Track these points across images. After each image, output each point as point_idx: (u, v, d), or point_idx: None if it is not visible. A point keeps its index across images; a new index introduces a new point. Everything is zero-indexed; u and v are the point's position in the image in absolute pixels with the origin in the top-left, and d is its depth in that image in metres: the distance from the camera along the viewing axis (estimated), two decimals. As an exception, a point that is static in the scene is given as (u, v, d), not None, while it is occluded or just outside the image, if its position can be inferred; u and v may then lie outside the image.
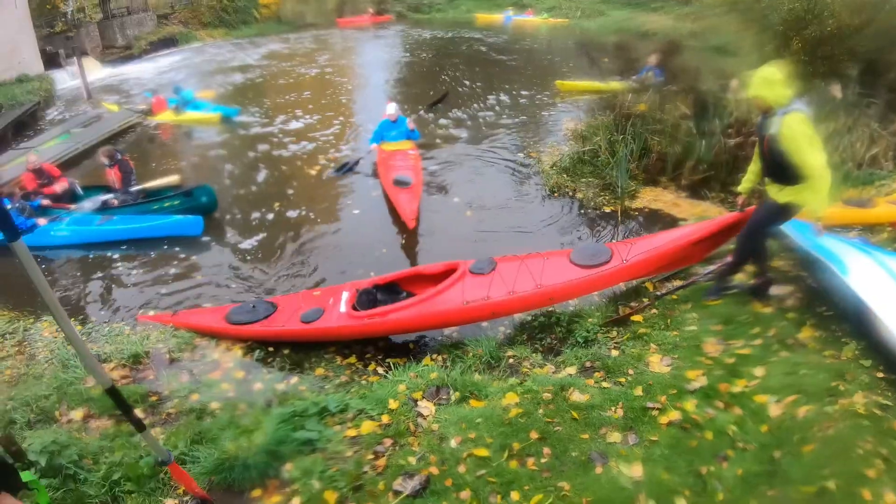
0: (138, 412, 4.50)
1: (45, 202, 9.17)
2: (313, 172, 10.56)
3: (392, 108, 10.26)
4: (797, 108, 3.89)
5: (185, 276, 7.53)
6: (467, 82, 16.71)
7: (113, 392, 2.30)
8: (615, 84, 11.39)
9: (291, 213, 8.93)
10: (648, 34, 18.68)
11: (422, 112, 11.00)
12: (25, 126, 17.49)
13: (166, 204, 8.83)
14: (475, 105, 14.11)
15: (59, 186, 9.46)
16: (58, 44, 25.30)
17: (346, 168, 10.57)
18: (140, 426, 2.49)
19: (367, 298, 5.44)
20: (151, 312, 6.48)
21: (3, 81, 21.50)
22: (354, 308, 5.26)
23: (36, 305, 7.18)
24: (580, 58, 16.28)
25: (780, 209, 4.17)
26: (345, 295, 5.50)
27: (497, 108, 13.83)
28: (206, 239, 8.40)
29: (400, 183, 8.57)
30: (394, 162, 9.38)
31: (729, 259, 4.67)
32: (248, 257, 7.82)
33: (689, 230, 5.04)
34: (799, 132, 3.83)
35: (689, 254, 5.07)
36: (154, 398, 4.75)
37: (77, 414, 4.57)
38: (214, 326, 5.71)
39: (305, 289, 6.42)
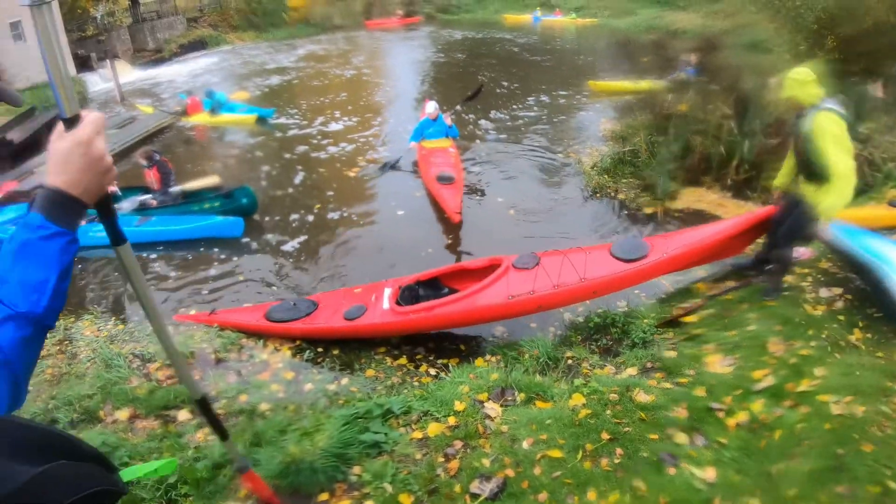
0: (185, 413, 4.47)
1: None
2: (351, 174, 10.55)
3: (431, 107, 10.29)
4: (829, 108, 3.93)
5: (224, 277, 7.53)
6: (504, 83, 16.73)
7: (203, 403, 2.23)
8: (647, 84, 11.25)
9: (332, 215, 8.91)
10: (678, 32, 18.55)
11: (459, 108, 10.93)
12: (59, 129, 17.69)
13: (206, 205, 8.82)
14: (513, 105, 14.11)
15: None
16: (89, 47, 25.64)
17: (389, 167, 10.68)
18: (224, 435, 2.40)
19: (410, 294, 5.44)
20: (189, 312, 6.47)
21: (37, 84, 21.80)
22: (398, 304, 5.22)
23: (75, 305, 7.21)
24: (615, 57, 16.16)
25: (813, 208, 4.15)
26: (387, 291, 5.47)
27: (535, 108, 13.82)
28: (245, 240, 8.38)
29: (443, 179, 8.62)
30: (434, 159, 9.46)
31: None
32: (288, 258, 7.80)
33: (726, 224, 5.01)
34: (827, 131, 3.88)
35: (726, 247, 5.04)
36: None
37: (122, 414, 4.52)
38: (254, 324, 5.70)
39: (346, 287, 6.37)
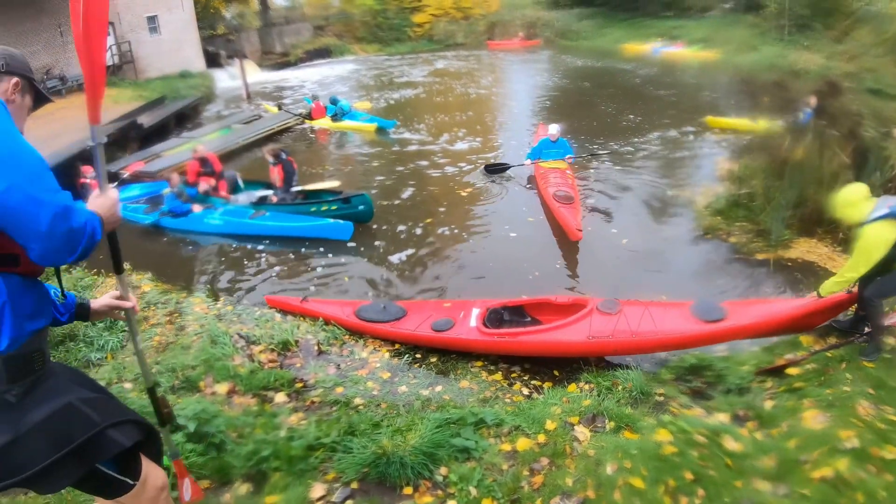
0: (282, 396, 4.74)
1: (202, 187, 9.77)
2: (464, 193, 10.76)
3: (554, 129, 10.66)
4: (876, 218, 4.11)
5: (323, 275, 7.89)
6: (630, 115, 16.55)
7: (152, 391, 2.54)
8: (763, 124, 10.91)
9: (440, 230, 9.10)
10: (801, 73, 17.84)
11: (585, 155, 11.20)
12: (186, 118, 18.91)
13: (324, 208, 9.14)
14: (633, 138, 13.98)
15: (220, 177, 10.07)
16: (219, 46, 27.32)
17: (498, 170, 11.11)
18: (163, 422, 2.57)
19: (495, 317, 5.72)
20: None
21: (167, 75, 23.39)
22: (485, 325, 5.49)
23: (189, 282, 7.72)
24: (736, 94, 15.76)
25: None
26: (475, 311, 5.75)
27: (655, 141, 13.63)
28: (351, 245, 8.68)
29: (561, 197, 8.84)
30: (552, 178, 9.76)
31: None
32: (389, 267, 8.05)
33: (805, 303, 4.95)
34: (865, 242, 4.13)
35: (805, 323, 5.02)
36: (299, 385, 4.96)
37: (222, 388, 4.81)
38: (343, 319, 6.08)
39: (436, 299, 6.60)
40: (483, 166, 11.75)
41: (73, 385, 1.88)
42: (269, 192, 9.90)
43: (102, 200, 1.84)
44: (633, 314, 5.09)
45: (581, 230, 8.09)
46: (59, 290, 2.02)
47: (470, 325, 5.53)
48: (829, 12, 22.87)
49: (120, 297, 2.20)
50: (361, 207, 9.02)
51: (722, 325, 4.87)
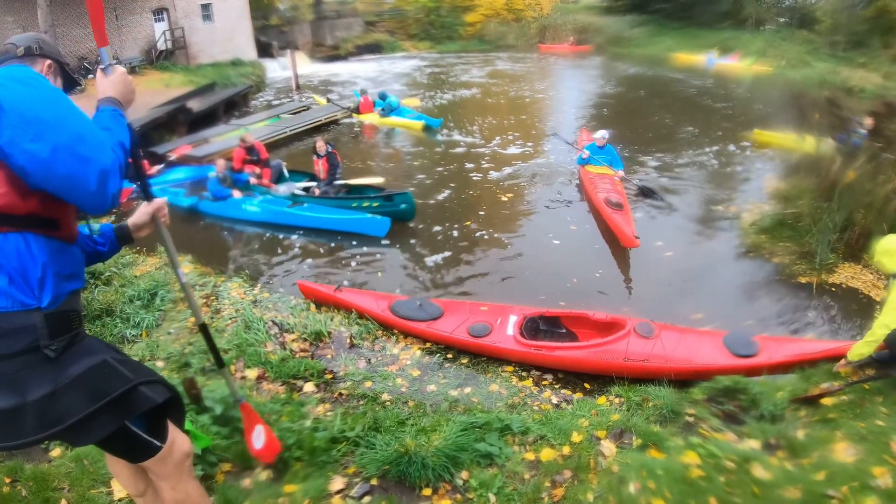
0: (311, 386, 4.78)
1: (253, 179, 9.91)
2: (506, 198, 10.71)
3: (601, 134, 10.64)
4: None
5: (356, 269, 7.94)
6: (683, 126, 16.27)
7: (204, 329, 2.67)
8: (811, 142, 10.63)
9: (480, 233, 9.07)
10: (854, 91, 17.36)
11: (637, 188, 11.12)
12: (236, 105, 19.21)
13: (365, 204, 9.08)
14: (687, 150, 13.75)
15: (265, 165, 10.19)
16: (271, 36, 27.73)
17: (564, 141, 11.55)
18: (220, 363, 2.79)
19: (531, 326, 5.76)
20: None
21: (219, 62, 23.81)
22: (521, 334, 5.52)
23: (226, 266, 7.85)
24: (787, 109, 15.42)
25: None
26: (512, 318, 5.78)
27: (709, 154, 13.38)
28: (387, 241, 8.68)
29: (611, 204, 8.78)
30: (601, 183, 9.72)
31: None
32: (425, 265, 8.06)
33: (836, 345, 4.98)
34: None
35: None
36: (329, 376, 5.00)
37: (252, 373, 4.89)
38: (378, 313, 6.10)
39: (473, 301, 6.54)
40: (553, 133, 12.11)
41: (105, 346, 1.95)
42: (313, 184, 9.96)
43: (112, 79, 1.98)
44: (668, 340, 5.19)
45: (638, 237, 7.98)
46: (88, 229, 2.16)
47: (507, 333, 5.57)
48: (888, 30, 22.27)
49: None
50: (404, 206, 8.97)
51: (753, 361, 4.97)
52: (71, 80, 2.12)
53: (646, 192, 10.55)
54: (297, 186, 9.95)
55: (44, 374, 1.70)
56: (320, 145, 9.88)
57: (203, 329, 2.66)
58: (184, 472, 2.15)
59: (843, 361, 4.47)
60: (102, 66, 2.01)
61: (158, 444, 2.01)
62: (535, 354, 5.38)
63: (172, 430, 2.09)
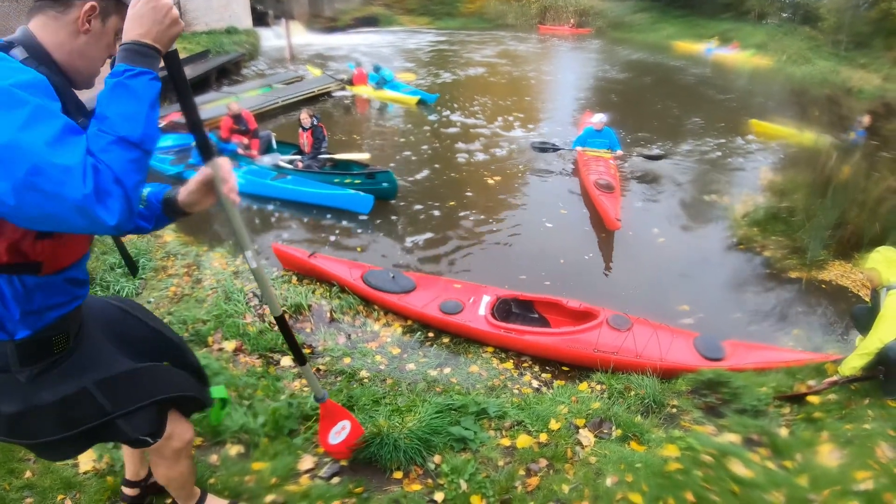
0: (288, 360, 4.68)
1: (240, 150, 9.71)
2: (498, 178, 10.58)
3: (599, 118, 10.66)
4: None
5: (335, 243, 7.81)
6: (682, 114, 16.23)
7: (282, 321, 2.39)
8: (811, 136, 10.57)
9: (467, 212, 8.94)
10: (854, 91, 17.33)
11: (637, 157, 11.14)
12: (228, 73, 18.91)
13: (347, 180, 8.96)
14: (683, 137, 13.69)
15: (253, 135, 9.98)
16: (268, 4, 27.27)
17: (547, 148, 11.16)
18: (302, 360, 2.57)
19: (503, 308, 5.71)
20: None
21: (214, 29, 23.42)
22: (493, 315, 5.47)
23: (210, 237, 7.70)
24: (789, 104, 15.33)
25: None
26: (485, 298, 5.72)
27: (703, 142, 13.32)
28: (369, 218, 8.56)
29: (602, 186, 8.83)
30: (595, 166, 9.77)
31: None
32: (407, 243, 7.94)
33: (804, 356, 5.05)
34: (894, 310, 3.99)
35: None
36: (307, 350, 4.91)
37: (230, 345, 4.80)
38: (350, 282, 6.02)
39: (447, 278, 6.47)
40: (531, 142, 11.74)
41: (106, 357, 1.80)
42: (297, 158, 9.79)
43: (137, 9, 1.41)
44: (641, 335, 5.15)
45: (619, 220, 8.02)
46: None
47: (479, 313, 5.51)
48: (891, 32, 22.24)
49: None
50: (385, 185, 8.85)
51: (721, 365, 4.95)
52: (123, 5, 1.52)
53: (650, 157, 10.95)
54: (282, 158, 9.76)
55: (14, 393, 1.60)
56: (304, 117, 9.64)
57: (280, 322, 2.37)
58: (181, 457, 2.10)
59: (834, 377, 4.40)
60: None
61: (151, 441, 1.92)
62: (505, 337, 5.33)
63: (174, 422, 2.00)
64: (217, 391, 2.38)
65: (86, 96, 1.61)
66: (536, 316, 5.87)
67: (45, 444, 1.68)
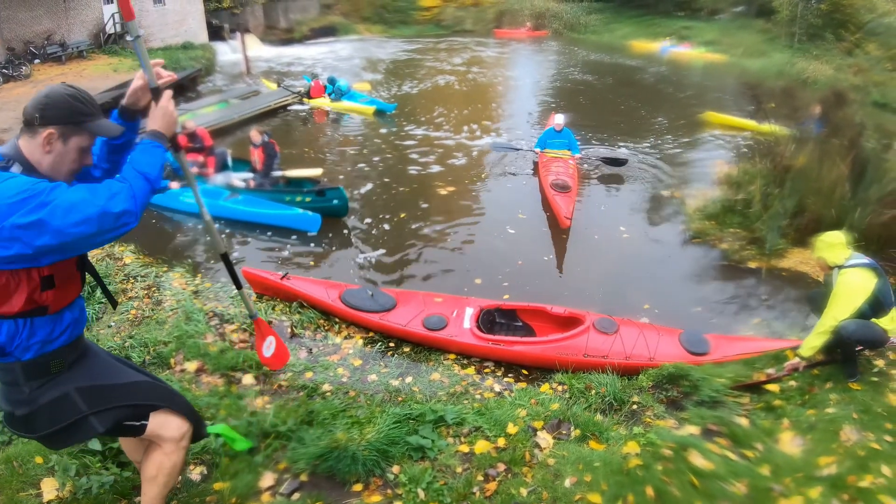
0: (250, 378, 4.62)
1: (195, 169, 9.50)
2: (457, 186, 10.59)
3: (559, 119, 10.86)
4: (855, 265, 4.19)
5: (297, 263, 7.77)
6: (642, 112, 16.40)
7: (225, 257, 3.00)
8: (767, 127, 10.75)
9: (427, 220, 8.97)
10: (808, 82, 17.71)
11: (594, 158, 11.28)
12: (184, 89, 18.66)
13: (297, 198, 8.91)
14: (642, 134, 13.82)
15: (209, 153, 9.83)
16: (223, 18, 27.04)
17: (506, 148, 11.44)
18: (238, 285, 3.13)
19: (487, 319, 5.66)
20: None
21: (170, 45, 23.20)
22: (479, 327, 5.42)
23: (170, 256, 7.59)
24: (744, 98, 15.60)
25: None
26: (469, 311, 5.64)
27: (662, 140, 13.46)
28: (324, 235, 8.51)
29: (558, 186, 9.01)
30: (554, 167, 9.90)
31: None
32: (365, 257, 7.91)
33: (785, 344, 5.13)
34: (844, 288, 4.14)
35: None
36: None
37: (191, 366, 4.72)
38: (328, 303, 5.86)
39: (425, 291, 6.40)
40: (493, 143, 11.93)
41: (80, 376, 2.19)
42: (249, 176, 9.68)
43: (161, 114, 2.11)
44: (628, 336, 5.20)
45: (570, 218, 8.16)
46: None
47: (464, 327, 5.43)
48: (841, 24, 22.78)
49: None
50: (336, 202, 8.78)
51: (705, 359, 5.03)
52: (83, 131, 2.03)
53: (611, 162, 11.03)
54: (236, 177, 9.63)
55: (22, 400, 2.10)
56: (254, 134, 9.47)
57: (224, 258, 3.00)
58: (180, 449, 2.42)
59: (795, 360, 4.46)
60: (131, 38, 2.14)
61: (139, 424, 2.30)
62: (493, 349, 5.26)
63: (163, 419, 2.35)
64: (216, 428, 2.83)
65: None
66: (520, 324, 5.83)
67: (43, 437, 2.17)
